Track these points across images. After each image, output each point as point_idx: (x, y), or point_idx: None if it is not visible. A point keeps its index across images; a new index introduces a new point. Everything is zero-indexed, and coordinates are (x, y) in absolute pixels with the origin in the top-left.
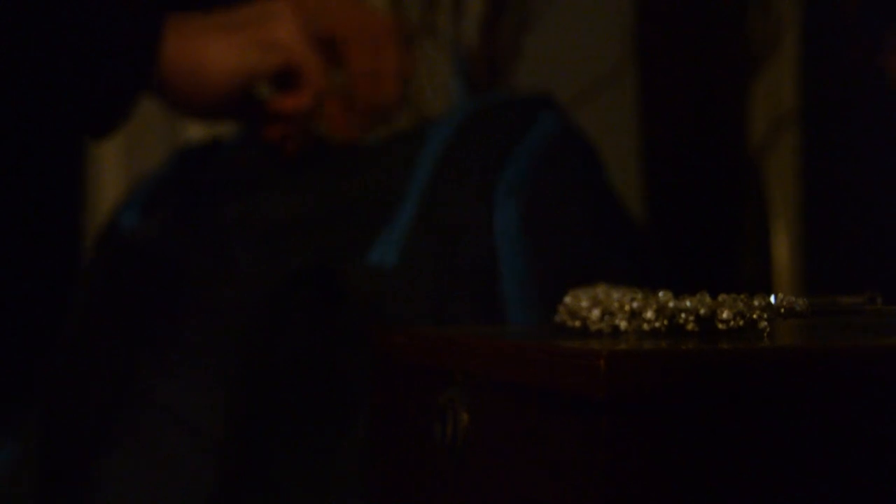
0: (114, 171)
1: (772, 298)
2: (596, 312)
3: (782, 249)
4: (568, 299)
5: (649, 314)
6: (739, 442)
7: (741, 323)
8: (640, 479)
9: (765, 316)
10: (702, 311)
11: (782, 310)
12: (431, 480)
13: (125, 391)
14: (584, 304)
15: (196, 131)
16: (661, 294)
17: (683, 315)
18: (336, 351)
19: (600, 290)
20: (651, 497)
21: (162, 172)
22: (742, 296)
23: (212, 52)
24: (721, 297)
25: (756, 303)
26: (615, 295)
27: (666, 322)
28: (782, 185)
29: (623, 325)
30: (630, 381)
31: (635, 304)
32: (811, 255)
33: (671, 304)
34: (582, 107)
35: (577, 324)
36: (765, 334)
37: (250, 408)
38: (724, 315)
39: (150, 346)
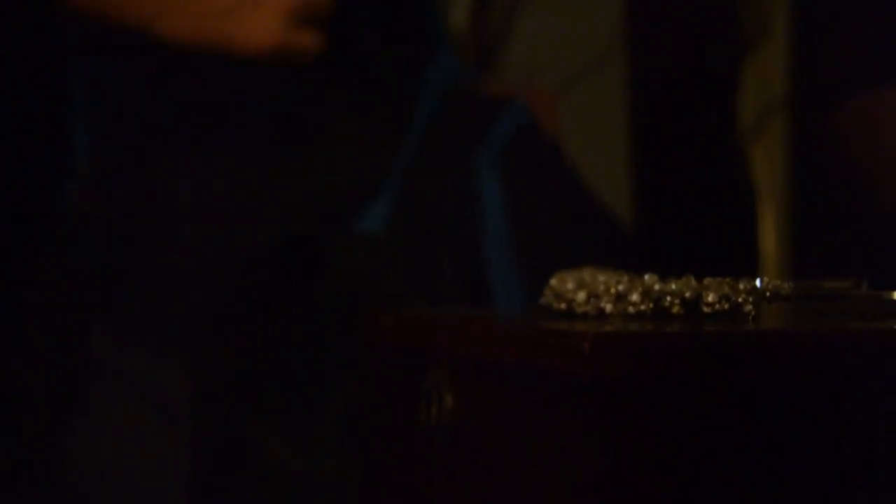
0: None
1: (757, 282)
2: (582, 295)
3: (769, 234)
4: (554, 282)
5: (635, 297)
6: (723, 423)
7: (726, 306)
8: (625, 460)
9: (750, 299)
10: (687, 295)
11: (767, 293)
12: (418, 463)
13: (82, 359)
14: (570, 286)
15: None
16: (646, 277)
17: (669, 298)
18: (318, 323)
19: (586, 273)
20: (637, 478)
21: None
22: (728, 279)
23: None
24: (707, 281)
25: (741, 286)
26: (601, 278)
27: (651, 305)
28: (770, 170)
29: (609, 307)
30: (615, 363)
31: (621, 287)
32: (797, 239)
33: (657, 287)
34: (572, 90)
35: (563, 306)
36: (750, 318)
37: (219, 387)
38: (710, 298)
39: (103, 315)
